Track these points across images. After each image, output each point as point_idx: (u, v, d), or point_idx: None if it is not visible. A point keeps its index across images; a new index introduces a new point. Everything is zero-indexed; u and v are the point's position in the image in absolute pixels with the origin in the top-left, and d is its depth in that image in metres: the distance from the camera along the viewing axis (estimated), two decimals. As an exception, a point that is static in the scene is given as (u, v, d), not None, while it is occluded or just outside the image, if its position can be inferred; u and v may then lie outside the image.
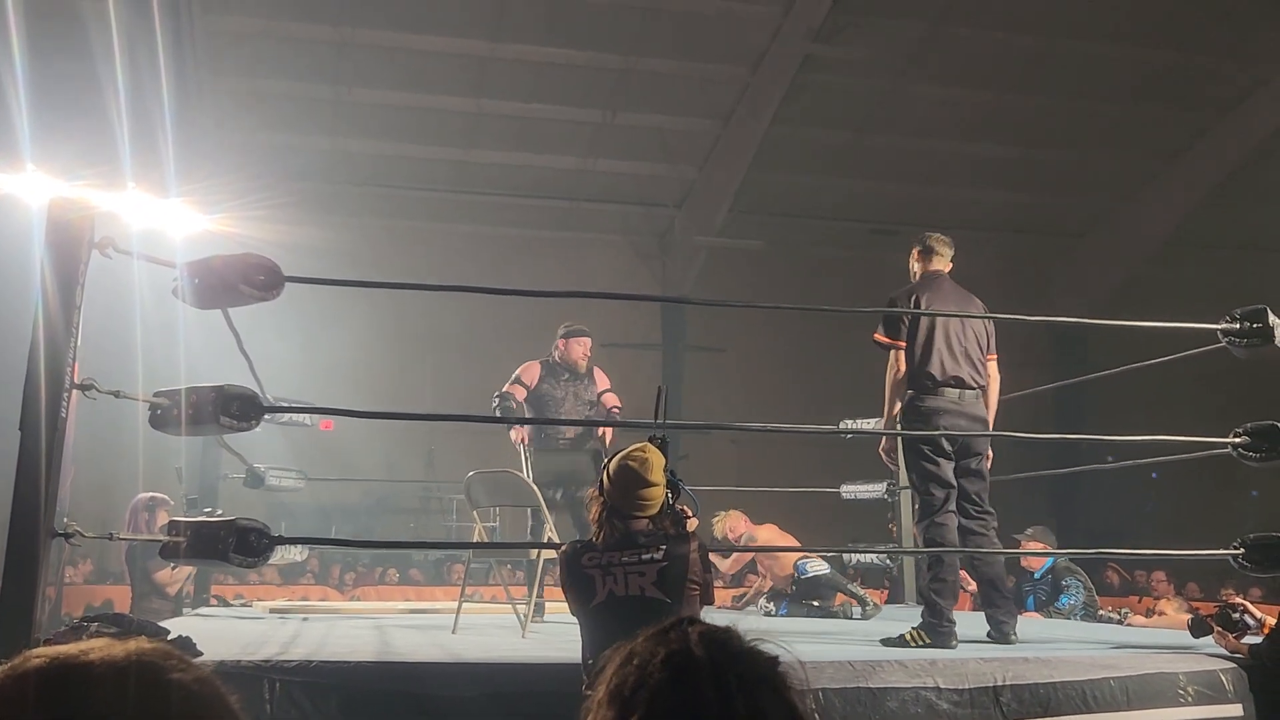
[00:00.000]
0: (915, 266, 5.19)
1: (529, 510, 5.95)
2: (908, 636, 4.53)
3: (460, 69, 12.76)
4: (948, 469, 4.80)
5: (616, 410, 6.37)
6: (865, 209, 15.22)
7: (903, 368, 4.89)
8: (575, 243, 15.27)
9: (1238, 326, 4.57)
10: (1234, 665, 3.87)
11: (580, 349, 6.46)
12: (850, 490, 7.59)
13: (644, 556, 3.03)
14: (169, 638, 3.52)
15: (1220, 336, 4.64)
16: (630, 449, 3.17)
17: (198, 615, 6.21)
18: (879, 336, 4.98)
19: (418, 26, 11.97)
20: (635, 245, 15.81)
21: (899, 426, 4.94)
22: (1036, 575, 7.26)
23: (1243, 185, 14.03)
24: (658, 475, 3.12)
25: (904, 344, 4.90)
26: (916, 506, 4.87)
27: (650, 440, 3.24)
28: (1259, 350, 4.54)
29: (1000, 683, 3.66)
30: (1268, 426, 4.44)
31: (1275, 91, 13.26)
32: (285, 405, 4.84)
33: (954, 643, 4.54)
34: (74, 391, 3.47)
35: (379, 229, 14.10)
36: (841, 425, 7.65)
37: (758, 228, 14.90)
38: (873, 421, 7.44)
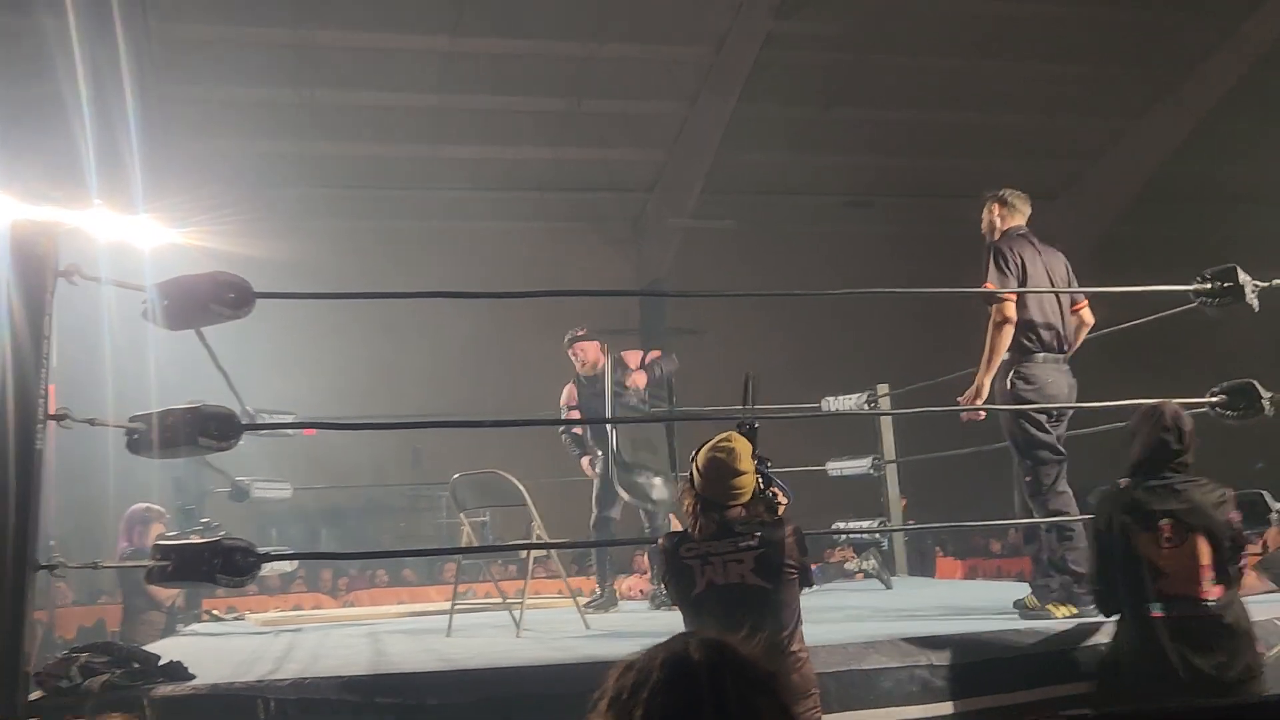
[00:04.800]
0: (996, 222, 4.97)
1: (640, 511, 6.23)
2: (1052, 609, 4.40)
3: (422, 65, 12.67)
4: (1052, 435, 4.66)
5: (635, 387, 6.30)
6: (837, 182, 15.22)
7: (1013, 321, 4.64)
8: (549, 232, 15.20)
9: (1209, 286, 4.59)
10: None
11: (585, 354, 6.43)
12: (836, 467, 7.61)
13: (741, 544, 3.07)
14: (160, 663, 3.51)
15: (1192, 297, 4.66)
16: (717, 439, 3.19)
17: (190, 633, 6.18)
18: (992, 288, 4.65)
19: (376, 25, 11.88)
20: (609, 231, 15.76)
21: (1000, 384, 4.70)
22: None
23: (1210, 139, 14.10)
24: (746, 463, 3.15)
25: (1014, 297, 4.65)
26: (1027, 479, 4.63)
27: (738, 429, 3.26)
28: (1230, 308, 4.56)
29: (991, 657, 3.69)
30: (1244, 384, 4.47)
31: (1238, 44, 13.32)
32: (264, 423, 4.81)
33: (1095, 608, 4.38)
34: (50, 422, 3.45)
35: (349, 230, 14.00)
36: (823, 402, 7.69)
37: (731, 207, 14.88)
38: (854, 398, 7.49)
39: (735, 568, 3.04)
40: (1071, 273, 4.99)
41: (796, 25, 12.40)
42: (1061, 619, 4.39)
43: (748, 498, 3.15)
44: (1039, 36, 12.98)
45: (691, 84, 13.43)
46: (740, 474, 3.13)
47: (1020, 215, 5.00)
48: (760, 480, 3.21)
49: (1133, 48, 13.38)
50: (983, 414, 4.73)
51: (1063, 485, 4.65)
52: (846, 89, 13.66)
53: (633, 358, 6.46)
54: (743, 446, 3.17)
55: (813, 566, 6.59)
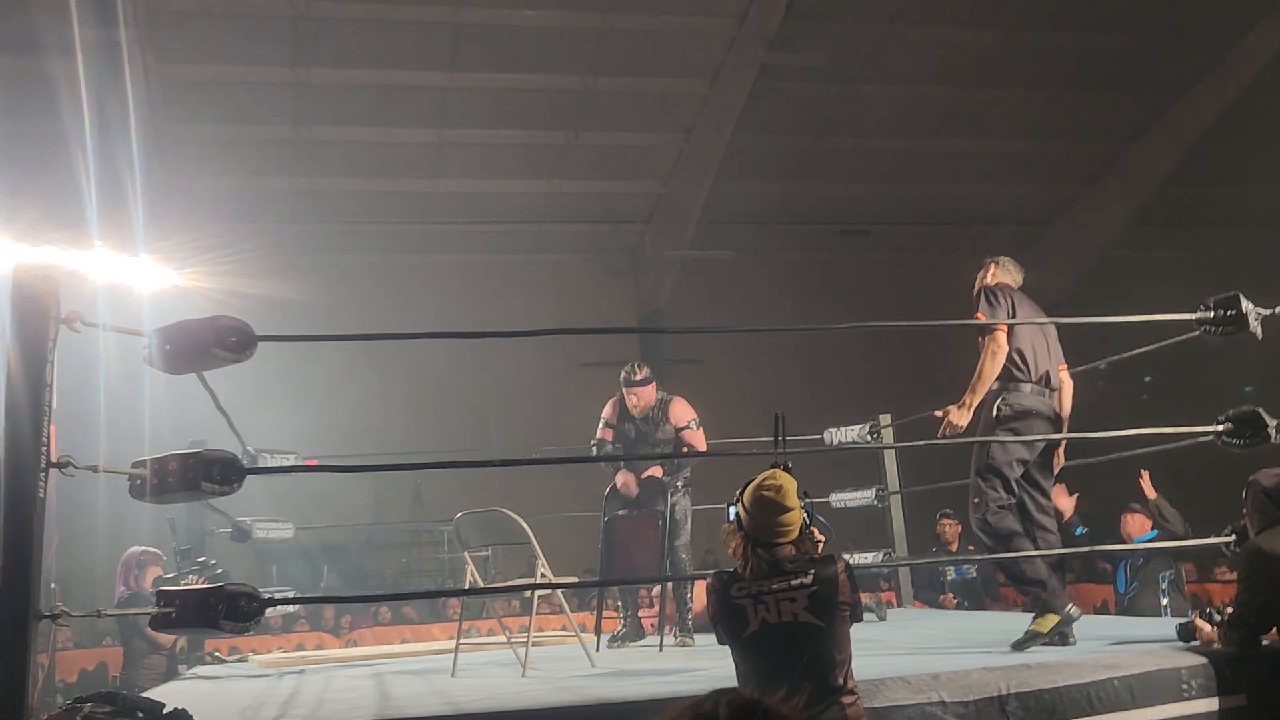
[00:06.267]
0: (987, 280, 5.06)
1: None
2: (1037, 628, 4.43)
3: (420, 100, 12.76)
4: (1016, 473, 4.73)
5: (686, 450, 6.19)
6: (833, 211, 15.29)
7: (1005, 350, 4.71)
8: (548, 265, 15.26)
9: (1212, 315, 4.59)
10: (1233, 656, 3.87)
11: (633, 399, 6.25)
12: (840, 499, 7.58)
13: (793, 582, 3.04)
14: (164, 711, 3.47)
15: (1195, 326, 4.65)
16: (762, 478, 3.17)
17: (193, 677, 6.12)
18: (984, 318, 4.74)
19: (373, 62, 11.96)
20: (607, 263, 15.80)
21: (987, 414, 4.77)
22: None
23: (1204, 161, 14.17)
24: (793, 500, 3.13)
25: (1006, 329, 4.73)
26: (975, 499, 4.71)
27: (771, 466, 3.25)
28: (1233, 337, 4.56)
29: (1005, 692, 3.65)
30: (1250, 413, 4.46)
31: (1230, 68, 13.40)
32: (267, 466, 4.79)
33: (1074, 608, 4.51)
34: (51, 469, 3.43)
35: (349, 266, 14.04)
36: (826, 433, 7.68)
37: (727, 238, 14.92)
38: (856, 429, 7.48)
39: (788, 606, 3.01)
40: (1058, 336, 5.06)
41: (790, 57, 12.48)
42: (1049, 632, 4.41)
43: (795, 534, 3.13)
44: (1030, 64, 13.07)
45: (687, 116, 13.51)
46: (788, 510, 3.12)
47: (1011, 279, 5.08)
48: (805, 516, 3.19)
49: (1123, 74, 13.48)
50: (959, 427, 4.75)
51: (1005, 506, 4.69)
52: (840, 118, 13.74)
53: (681, 410, 6.32)
54: (789, 483, 3.15)
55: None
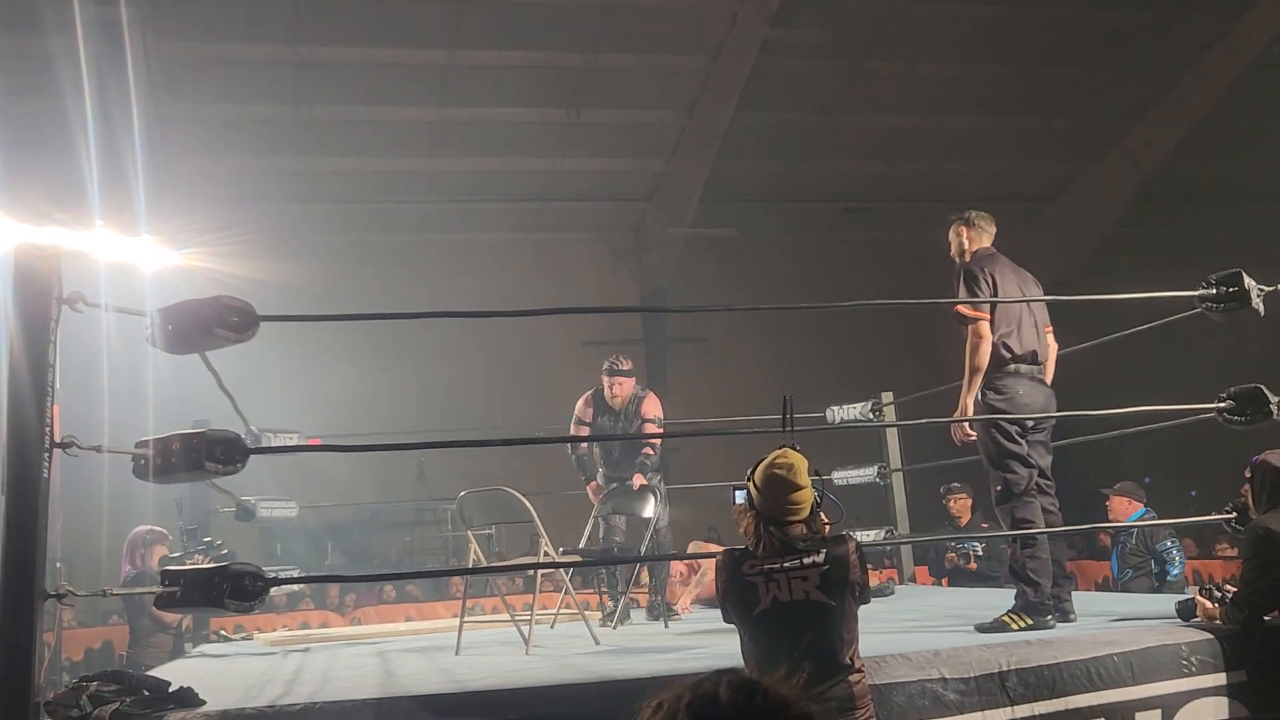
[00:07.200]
0: (965, 244, 4.98)
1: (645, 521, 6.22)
2: (1008, 620, 4.46)
3: (421, 79, 12.72)
4: (1025, 448, 4.71)
5: (649, 453, 6.43)
6: (835, 188, 15.27)
7: (988, 339, 4.68)
8: (550, 243, 15.25)
9: (1214, 292, 4.57)
10: (1234, 633, 3.89)
11: (615, 389, 6.45)
12: (842, 475, 7.59)
13: (805, 561, 3.06)
14: (170, 689, 3.50)
15: (1197, 303, 4.64)
16: (773, 457, 3.19)
17: (198, 655, 6.15)
18: (964, 310, 4.71)
19: (374, 40, 11.91)
20: (610, 241, 15.80)
21: (978, 398, 4.75)
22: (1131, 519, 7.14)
23: (1208, 137, 14.11)
24: (804, 478, 3.15)
25: (988, 316, 4.70)
26: (997, 488, 4.71)
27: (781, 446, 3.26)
28: (1236, 314, 4.55)
29: (1005, 668, 3.67)
30: (1252, 389, 4.46)
31: (1233, 43, 13.32)
32: (270, 445, 4.80)
33: (1052, 620, 4.50)
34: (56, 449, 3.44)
35: (350, 245, 14.04)
36: (828, 411, 7.69)
37: (730, 215, 14.90)
38: (859, 407, 7.49)
39: (800, 584, 3.03)
40: (1042, 303, 5.02)
41: (792, 33, 12.44)
42: (1018, 630, 4.40)
43: (807, 513, 3.15)
44: (1034, 40, 13.00)
45: (689, 93, 13.47)
46: (799, 489, 3.13)
47: (987, 236, 5.00)
48: (816, 496, 3.20)
49: (1127, 51, 13.41)
50: (974, 434, 4.78)
51: (1031, 495, 4.68)
52: (843, 95, 13.70)
53: (651, 406, 6.53)
54: (800, 462, 3.17)
55: None
